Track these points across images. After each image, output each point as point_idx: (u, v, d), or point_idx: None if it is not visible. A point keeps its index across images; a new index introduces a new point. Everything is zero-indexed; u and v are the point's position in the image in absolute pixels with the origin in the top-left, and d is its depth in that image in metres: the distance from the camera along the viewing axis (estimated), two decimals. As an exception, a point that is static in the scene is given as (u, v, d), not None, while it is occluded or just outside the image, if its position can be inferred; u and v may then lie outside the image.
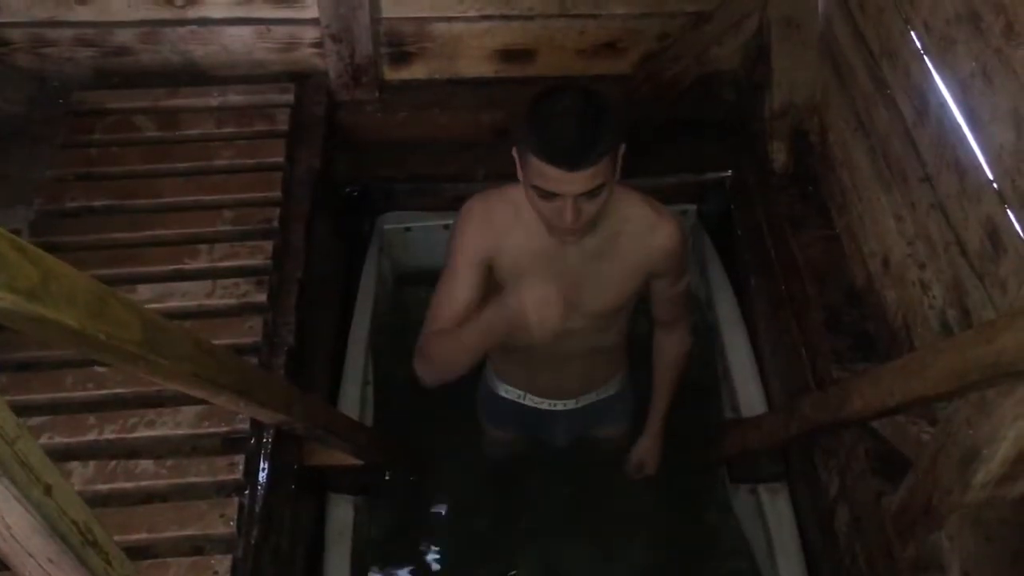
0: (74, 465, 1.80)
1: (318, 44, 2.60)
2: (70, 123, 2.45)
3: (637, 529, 2.69)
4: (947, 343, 1.47)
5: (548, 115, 1.56)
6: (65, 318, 0.89)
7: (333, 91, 2.68)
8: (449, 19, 2.61)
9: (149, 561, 1.70)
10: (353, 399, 2.49)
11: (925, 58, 1.85)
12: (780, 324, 2.44)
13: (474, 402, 2.48)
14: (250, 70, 2.64)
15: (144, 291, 2.08)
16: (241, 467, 1.82)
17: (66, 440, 1.84)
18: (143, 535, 1.72)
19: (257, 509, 1.81)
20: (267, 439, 1.90)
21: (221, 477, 1.81)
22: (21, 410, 1.67)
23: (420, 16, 2.60)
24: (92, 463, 1.81)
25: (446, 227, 2.82)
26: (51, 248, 0.92)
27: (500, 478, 2.75)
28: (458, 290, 1.86)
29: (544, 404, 2.25)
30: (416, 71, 2.73)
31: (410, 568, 2.65)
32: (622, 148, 1.63)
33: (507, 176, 1.75)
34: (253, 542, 1.77)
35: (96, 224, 2.22)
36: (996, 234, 1.60)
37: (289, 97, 2.56)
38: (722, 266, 2.86)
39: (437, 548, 2.67)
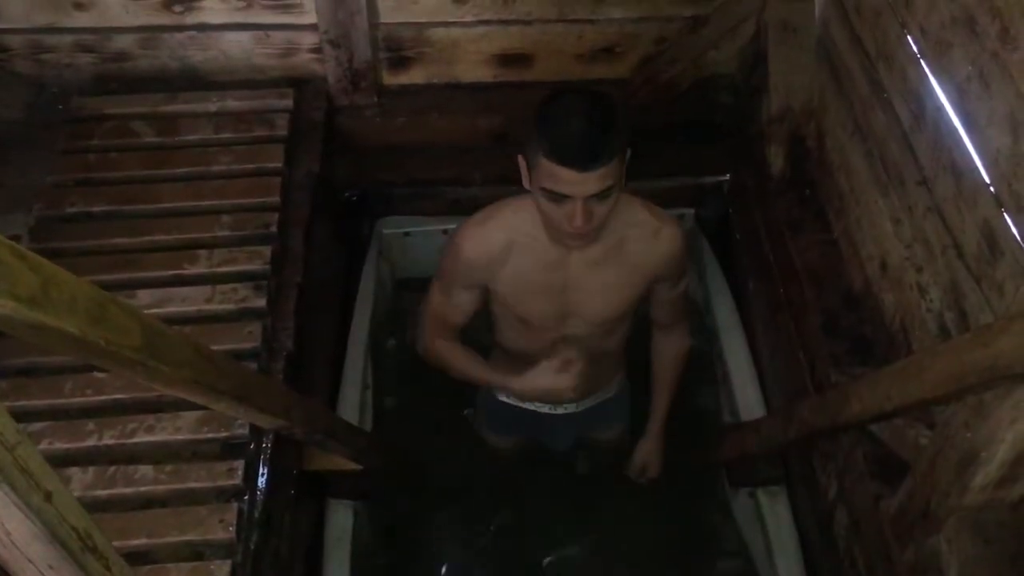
0: (74, 471, 1.80)
1: (317, 49, 2.61)
2: (69, 129, 2.45)
3: (636, 532, 2.69)
4: (944, 347, 1.48)
5: (558, 117, 1.58)
6: (65, 325, 0.89)
7: (332, 96, 2.69)
8: (447, 24, 2.62)
9: (149, 566, 1.70)
10: (352, 404, 2.49)
11: (922, 62, 1.86)
12: (778, 328, 2.44)
13: (474, 405, 2.48)
14: (249, 75, 2.65)
15: (143, 296, 2.08)
16: (240, 472, 1.82)
17: (65, 446, 1.84)
18: (143, 540, 1.72)
19: (256, 514, 1.81)
20: (266, 444, 1.90)
21: (220, 482, 1.81)
22: (20, 416, 1.68)
23: (418, 21, 2.61)
24: (92, 469, 1.81)
25: (445, 231, 2.83)
26: (50, 254, 0.92)
27: (500, 482, 2.75)
28: (452, 306, 1.96)
29: (544, 408, 2.26)
30: (414, 76, 2.74)
31: (410, 573, 2.65)
32: (629, 153, 1.64)
33: (505, 180, 1.76)
34: (252, 547, 1.77)
35: (95, 230, 2.23)
36: (993, 237, 1.61)
37: (288, 102, 2.56)
38: (720, 270, 2.87)
39: (437, 552, 2.67)
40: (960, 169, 1.72)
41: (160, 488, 1.80)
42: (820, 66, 2.43)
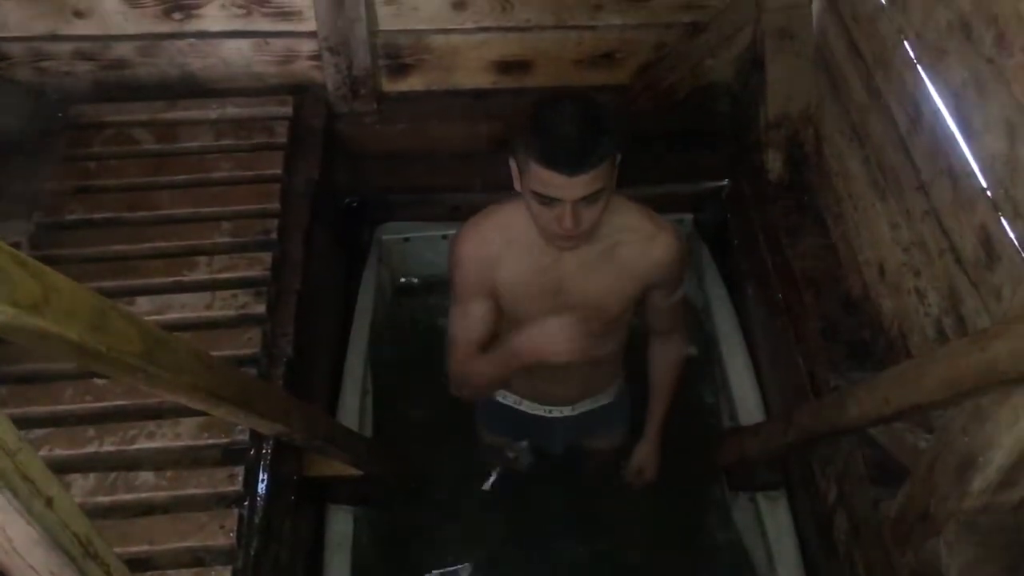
0: (74, 477, 1.80)
1: (316, 57, 2.62)
2: (69, 136, 2.46)
3: (636, 537, 2.69)
4: (942, 351, 1.48)
5: (548, 121, 1.58)
6: (66, 331, 0.90)
7: (331, 103, 2.69)
8: (446, 31, 2.63)
9: (149, 573, 1.70)
10: (352, 409, 2.49)
11: (918, 68, 1.87)
12: (777, 333, 2.45)
13: (473, 410, 2.48)
14: (248, 83, 2.65)
15: (144, 303, 2.09)
16: (241, 478, 1.82)
17: (66, 452, 1.84)
18: (143, 547, 1.72)
19: (257, 520, 1.81)
20: (267, 450, 1.91)
21: (221, 488, 1.82)
22: (21, 423, 1.68)
23: (417, 28, 2.62)
24: (92, 475, 1.81)
25: (444, 237, 2.83)
26: (51, 261, 0.93)
27: (499, 487, 2.75)
28: (471, 320, 1.93)
29: (541, 410, 2.26)
30: (414, 83, 2.75)
31: (410, 578, 2.65)
32: (619, 157, 1.65)
33: (505, 186, 1.76)
34: (253, 553, 1.77)
35: (95, 237, 2.23)
36: (990, 242, 1.61)
37: (287, 109, 2.57)
38: (719, 275, 2.87)
39: (437, 557, 2.66)
40: (957, 174, 1.73)
41: (161, 494, 1.80)
42: (818, 73, 2.44)
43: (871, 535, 1.87)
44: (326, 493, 2.35)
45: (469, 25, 2.61)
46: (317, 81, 2.67)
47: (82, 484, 1.80)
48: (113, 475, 1.82)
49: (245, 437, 1.88)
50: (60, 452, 1.84)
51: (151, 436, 1.88)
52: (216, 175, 2.39)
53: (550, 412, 2.27)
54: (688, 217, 2.98)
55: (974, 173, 1.67)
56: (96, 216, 2.27)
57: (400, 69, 2.71)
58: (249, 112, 2.56)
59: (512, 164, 1.68)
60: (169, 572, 1.70)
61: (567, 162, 1.55)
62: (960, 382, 1.35)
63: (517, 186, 1.69)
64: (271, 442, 1.91)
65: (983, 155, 1.64)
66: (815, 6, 2.42)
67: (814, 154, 2.50)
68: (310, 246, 2.36)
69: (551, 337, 1.76)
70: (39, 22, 2.49)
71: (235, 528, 1.75)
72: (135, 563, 1.67)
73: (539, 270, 1.85)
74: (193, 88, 2.64)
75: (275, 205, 2.32)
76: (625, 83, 2.76)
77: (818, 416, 1.93)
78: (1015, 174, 1.52)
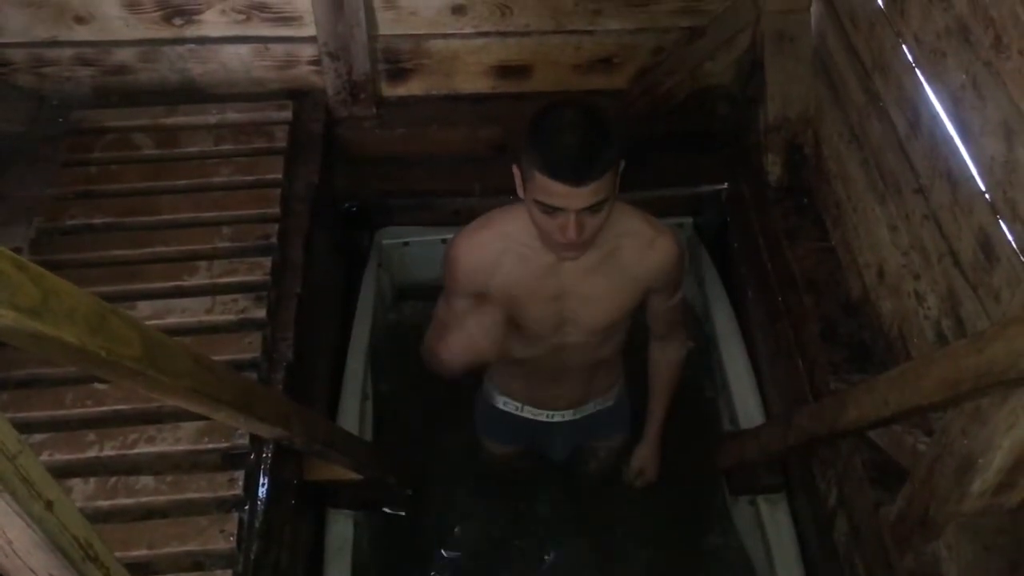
0: (75, 482, 1.80)
1: (316, 62, 2.62)
2: (70, 141, 2.46)
3: (637, 541, 2.69)
4: (940, 353, 1.48)
5: (551, 130, 1.58)
6: (66, 335, 0.90)
7: (331, 108, 2.70)
8: (446, 36, 2.63)
9: (149, 577, 1.70)
10: (352, 414, 2.49)
11: (917, 71, 1.87)
12: (777, 336, 2.45)
13: (472, 415, 2.49)
14: (248, 88, 2.66)
15: (144, 308, 2.09)
16: (241, 483, 1.82)
17: (66, 457, 1.85)
18: (143, 551, 1.72)
19: (257, 524, 1.81)
20: (267, 454, 1.91)
21: (221, 493, 1.82)
22: (22, 427, 1.68)
23: (417, 33, 2.62)
24: (93, 480, 1.81)
25: (444, 241, 2.82)
26: (51, 266, 0.92)
27: (499, 492, 2.75)
28: (456, 315, 1.92)
29: (542, 415, 2.26)
30: (413, 87, 2.75)
31: (410, 583, 2.65)
32: (622, 165, 1.65)
33: (504, 191, 1.77)
34: (253, 558, 1.77)
35: (96, 242, 2.23)
36: (989, 244, 1.62)
37: (287, 114, 2.57)
38: (719, 278, 2.88)
39: (437, 562, 2.66)
40: (956, 177, 1.73)
41: (161, 499, 1.80)
42: (816, 76, 2.44)
43: (871, 537, 1.87)
44: (326, 497, 2.34)
45: (468, 30, 2.62)
46: (317, 86, 2.68)
47: (82, 488, 1.80)
48: (113, 479, 1.82)
49: (245, 441, 1.88)
50: (60, 456, 1.84)
51: (151, 440, 1.88)
52: (216, 180, 2.39)
53: (551, 417, 2.27)
54: (688, 220, 2.98)
55: (972, 176, 1.67)
56: (97, 221, 2.28)
57: (400, 74, 2.72)
58: (249, 117, 2.56)
59: (515, 171, 1.68)
60: (169, 576, 1.71)
61: (571, 173, 1.54)
62: (958, 384, 1.35)
63: (520, 193, 1.69)
64: (271, 446, 1.91)
65: (981, 158, 1.64)
66: (814, 9, 2.42)
67: (813, 157, 2.50)
68: (310, 250, 2.37)
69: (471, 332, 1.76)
70: (40, 28, 2.50)
71: (235, 532, 1.75)
72: (135, 567, 1.67)
73: (538, 275, 1.86)
74: (193, 93, 2.64)
75: (275, 210, 2.33)
76: (624, 87, 2.77)
77: (817, 418, 1.94)
78: (1013, 176, 1.52)
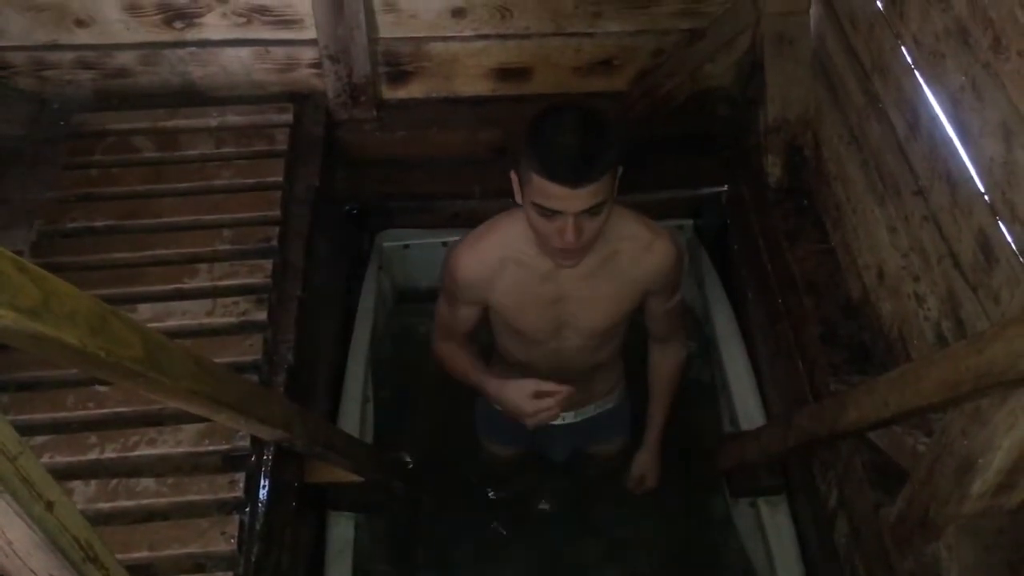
0: (76, 484, 1.81)
1: (316, 64, 2.63)
2: (71, 144, 2.47)
3: (637, 542, 2.69)
4: (939, 354, 1.48)
5: (549, 133, 1.58)
6: (66, 336, 0.90)
7: (331, 111, 2.70)
8: (446, 38, 2.64)
9: (150, 579, 1.70)
10: (353, 416, 2.49)
11: (916, 73, 1.87)
12: (777, 337, 2.45)
13: (473, 416, 2.49)
14: (249, 91, 2.67)
15: (145, 310, 2.09)
16: (242, 485, 1.82)
17: (67, 459, 1.85)
18: (144, 553, 1.72)
19: (258, 527, 1.81)
20: (267, 457, 1.91)
21: (222, 495, 1.82)
22: (23, 430, 1.68)
23: (417, 36, 2.63)
24: (94, 482, 1.82)
25: (444, 244, 2.84)
26: (52, 268, 0.93)
27: (499, 494, 2.75)
28: (456, 320, 2.01)
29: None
30: (413, 90, 2.76)
31: (411, 585, 2.65)
32: (620, 169, 1.65)
33: (504, 193, 1.77)
34: (254, 560, 1.77)
35: (97, 244, 2.24)
36: (988, 246, 1.62)
37: (288, 117, 2.58)
38: (719, 280, 2.88)
39: (438, 565, 2.66)
40: (955, 178, 1.73)
41: (162, 501, 1.81)
42: (816, 78, 2.44)
43: (872, 539, 1.87)
44: (327, 499, 2.35)
45: (468, 33, 2.62)
46: (317, 89, 2.68)
47: (83, 491, 1.80)
48: (114, 482, 1.82)
49: (246, 443, 1.88)
50: (61, 458, 1.85)
51: (152, 443, 1.88)
52: (217, 183, 2.40)
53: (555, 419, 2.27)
54: (688, 222, 2.99)
55: (972, 177, 1.67)
56: (98, 224, 2.28)
57: (400, 76, 2.72)
58: (250, 120, 2.57)
59: (513, 176, 1.68)
60: (170, 578, 1.71)
61: (569, 174, 1.55)
62: (958, 384, 1.35)
63: (518, 198, 1.69)
64: (272, 448, 1.91)
65: (980, 159, 1.64)
66: (813, 11, 2.43)
67: (813, 158, 2.51)
68: (311, 253, 2.37)
69: (517, 402, 1.88)
70: (41, 31, 2.51)
71: (236, 534, 1.75)
72: (136, 569, 1.67)
73: (537, 281, 1.86)
74: (194, 96, 2.65)
75: (276, 212, 2.33)
76: (624, 89, 2.77)
77: (817, 419, 1.94)
78: (1012, 178, 1.52)
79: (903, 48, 1.92)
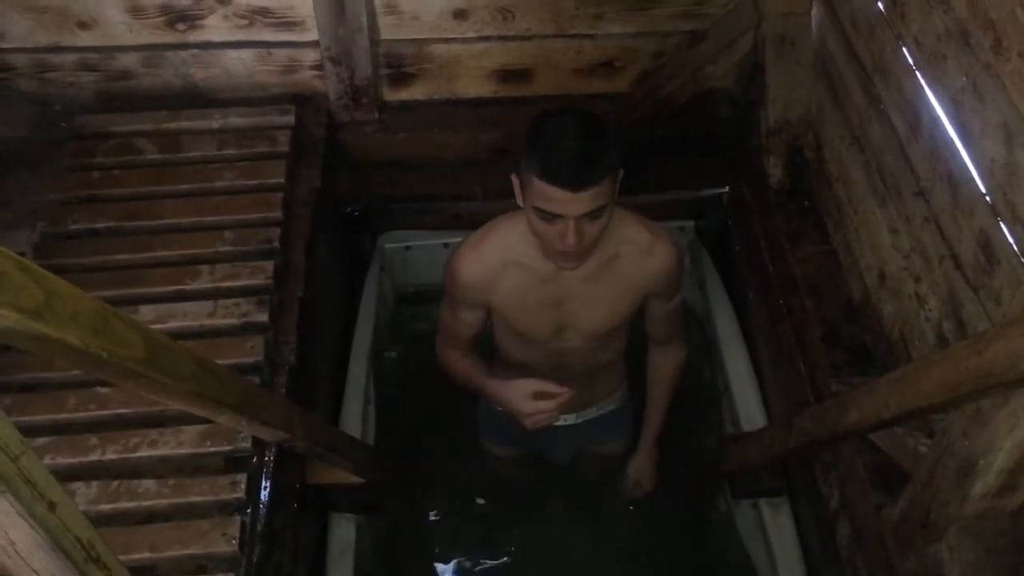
0: (77, 485, 1.81)
1: (318, 66, 2.63)
2: (73, 146, 2.47)
3: (639, 544, 2.69)
4: (940, 355, 1.48)
5: (550, 137, 1.59)
6: (68, 336, 0.90)
7: (333, 112, 2.70)
8: (447, 40, 2.64)
9: (152, 580, 1.70)
10: (354, 418, 2.50)
11: (917, 74, 1.88)
12: (779, 339, 2.45)
13: (475, 419, 2.49)
14: (251, 92, 2.67)
15: (147, 312, 2.09)
16: (243, 486, 1.82)
17: (69, 460, 1.85)
18: (146, 554, 1.72)
19: (259, 528, 1.82)
20: (269, 458, 1.91)
21: (223, 496, 1.82)
22: (25, 431, 1.68)
23: (419, 38, 2.63)
24: (95, 483, 1.82)
25: (446, 245, 2.84)
26: (55, 270, 0.93)
27: (501, 496, 2.75)
28: (459, 325, 2.01)
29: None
30: (415, 92, 2.76)
31: (413, 587, 2.65)
32: (621, 172, 1.65)
33: (506, 195, 1.77)
34: (255, 561, 1.77)
35: (99, 246, 2.24)
36: (989, 247, 1.62)
37: (290, 119, 2.58)
38: (721, 282, 2.88)
39: (439, 567, 2.67)
40: (956, 179, 1.73)
41: (163, 502, 1.81)
42: (817, 79, 2.45)
43: (873, 540, 1.87)
44: (328, 501, 2.35)
45: (470, 34, 2.62)
46: (319, 90, 2.68)
47: (85, 492, 1.80)
48: (116, 483, 1.82)
49: (247, 445, 1.88)
50: (63, 460, 1.85)
51: (153, 444, 1.88)
52: (219, 184, 2.40)
53: (553, 421, 2.27)
54: (689, 224, 2.99)
55: (973, 178, 1.67)
56: (100, 226, 2.28)
57: (401, 78, 2.72)
58: (251, 121, 2.57)
59: (514, 179, 1.68)
60: (172, 579, 1.71)
61: (570, 178, 1.55)
62: (959, 385, 1.35)
63: (519, 201, 1.70)
64: (273, 450, 1.91)
65: (982, 160, 1.64)
66: (814, 13, 2.43)
67: (814, 160, 2.51)
68: (312, 255, 2.37)
69: (518, 403, 1.88)
70: (43, 33, 2.51)
71: (237, 536, 1.75)
72: (138, 570, 1.67)
73: (539, 284, 1.87)
74: (196, 98, 2.65)
75: (277, 214, 2.33)
76: (625, 91, 2.77)
77: (819, 421, 1.94)
78: (1013, 179, 1.52)
79: (904, 49, 1.92)
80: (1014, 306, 1.45)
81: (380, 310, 2.89)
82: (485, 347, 2.15)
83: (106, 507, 1.79)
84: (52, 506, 0.89)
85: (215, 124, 2.55)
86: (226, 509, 1.81)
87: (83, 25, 2.50)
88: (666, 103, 2.73)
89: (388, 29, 2.60)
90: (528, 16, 2.59)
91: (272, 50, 2.60)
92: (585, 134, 1.58)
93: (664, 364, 2.21)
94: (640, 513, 2.67)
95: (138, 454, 1.87)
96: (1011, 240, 1.55)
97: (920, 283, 1.92)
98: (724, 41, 2.59)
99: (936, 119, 1.80)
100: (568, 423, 2.27)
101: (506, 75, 2.73)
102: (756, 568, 2.52)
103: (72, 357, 0.95)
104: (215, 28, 2.54)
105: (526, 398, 1.86)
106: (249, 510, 1.82)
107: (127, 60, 2.59)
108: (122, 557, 1.16)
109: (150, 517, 1.80)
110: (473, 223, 2.03)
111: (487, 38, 2.64)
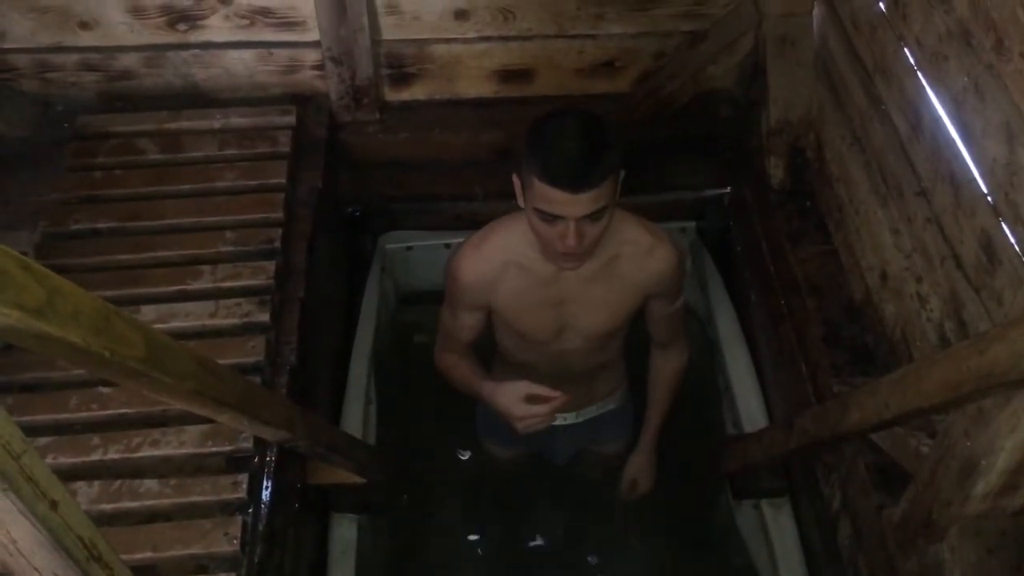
0: (79, 485, 1.81)
1: (319, 67, 2.63)
2: (74, 146, 2.47)
3: (640, 544, 2.69)
4: (942, 355, 1.48)
5: (551, 138, 1.59)
6: (70, 335, 0.90)
7: (334, 113, 2.70)
8: (448, 40, 2.64)
9: (153, 580, 1.71)
10: (355, 418, 2.50)
11: (918, 74, 1.88)
12: (780, 339, 2.45)
13: (475, 418, 2.49)
14: (252, 93, 2.67)
15: (148, 312, 2.09)
16: (245, 486, 1.83)
17: (71, 460, 1.85)
18: (147, 554, 1.73)
19: (261, 528, 1.82)
20: (270, 458, 1.91)
21: (225, 496, 1.82)
22: (26, 431, 1.68)
23: (420, 38, 2.63)
24: (97, 483, 1.82)
25: (447, 246, 2.84)
26: (56, 270, 0.93)
27: (501, 496, 2.75)
28: (459, 327, 2.01)
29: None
30: (416, 92, 2.76)
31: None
32: (622, 174, 1.65)
33: (507, 195, 1.77)
34: (257, 561, 1.77)
35: (100, 246, 2.24)
36: (991, 247, 1.62)
37: (291, 119, 2.58)
38: (722, 282, 2.88)
39: (439, 567, 2.67)
40: (958, 180, 1.73)
41: (165, 502, 1.81)
42: (818, 79, 2.45)
43: (875, 541, 1.87)
44: (330, 501, 2.35)
45: (471, 34, 2.62)
46: (320, 91, 2.68)
47: (87, 492, 1.80)
48: (117, 483, 1.82)
49: (249, 445, 1.89)
50: (65, 460, 1.85)
51: (155, 444, 1.88)
52: (220, 184, 2.40)
53: (555, 420, 2.27)
54: (691, 224, 2.99)
55: (975, 178, 1.67)
56: (101, 226, 2.28)
57: (403, 78, 2.72)
58: (252, 122, 2.57)
59: (515, 179, 1.69)
60: (173, 579, 1.71)
61: (571, 179, 1.55)
62: (960, 385, 1.35)
63: (520, 202, 1.70)
64: (275, 450, 1.91)
65: (983, 160, 1.64)
66: (815, 13, 2.43)
67: (816, 160, 2.51)
68: (313, 255, 2.37)
69: (509, 405, 1.86)
70: (45, 34, 2.51)
71: (239, 535, 1.75)
72: (139, 570, 1.67)
73: (539, 285, 1.87)
74: (197, 98, 2.65)
75: (278, 214, 2.33)
76: (626, 91, 2.77)
77: (820, 421, 1.93)
78: (1015, 179, 1.52)
79: (905, 49, 1.92)
80: (1016, 306, 1.45)
81: (381, 310, 2.89)
82: (486, 347, 2.15)
83: (108, 507, 1.79)
84: (54, 505, 0.89)
85: (216, 124, 2.56)
86: (228, 509, 1.81)
87: (84, 25, 2.50)
88: (667, 103, 2.73)
89: (389, 29, 2.60)
90: (529, 16, 2.59)
91: (273, 50, 2.61)
92: (586, 136, 1.58)
93: (665, 367, 2.21)
94: (640, 512, 2.67)
95: (140, 454, 1.87)
96: (1013, 240, 1.55)
97: (922, 283, 1.92)
98: (725, 41, 2.59)
99: (938, 119, 1.80)
100: (568, 422, 2.27)
101: (507, 75, 2.73)
102: (757, 569, 2.52)
103: (74, 356, 0.95)
104: (216, 28, 2.54)
105: (518, 401, 1.83)
106: (251, 510, 1.82)
107: (128, 60, 2.59)
108: (124, 556, 1.16)
109: (152, 517, 1.80)
110: (474, 223, 2.02)
111: (488, 38, 2.64)
